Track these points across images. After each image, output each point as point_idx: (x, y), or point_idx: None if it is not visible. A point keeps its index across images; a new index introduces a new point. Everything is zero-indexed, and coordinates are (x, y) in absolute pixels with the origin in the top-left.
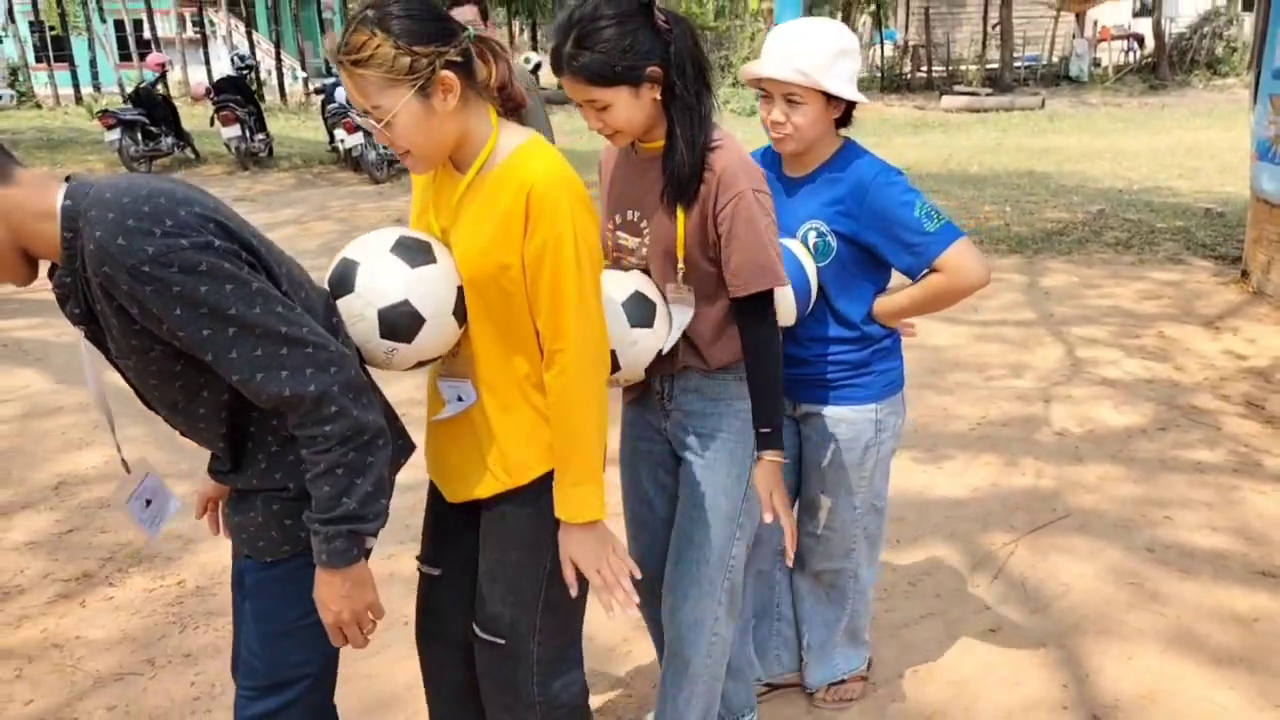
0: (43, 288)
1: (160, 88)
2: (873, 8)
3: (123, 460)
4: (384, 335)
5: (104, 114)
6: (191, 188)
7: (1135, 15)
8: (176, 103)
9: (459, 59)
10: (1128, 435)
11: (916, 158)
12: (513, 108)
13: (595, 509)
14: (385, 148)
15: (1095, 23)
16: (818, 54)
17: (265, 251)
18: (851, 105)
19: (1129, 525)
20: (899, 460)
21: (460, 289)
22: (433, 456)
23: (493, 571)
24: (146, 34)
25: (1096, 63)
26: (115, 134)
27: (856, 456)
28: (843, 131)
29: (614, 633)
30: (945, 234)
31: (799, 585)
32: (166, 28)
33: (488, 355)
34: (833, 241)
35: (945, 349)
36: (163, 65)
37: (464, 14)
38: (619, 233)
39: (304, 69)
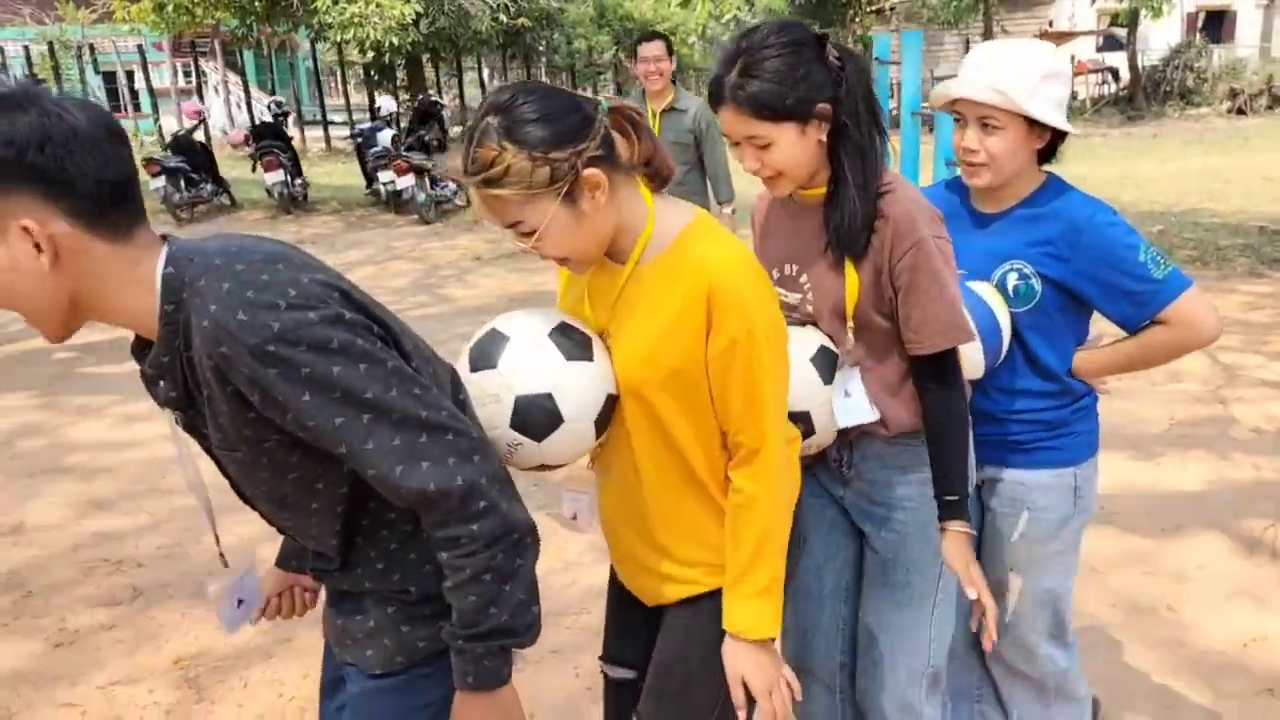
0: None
1: (199, 135)
2: (859, 48)
3: (221, 555)
4: (514, 426)
5: (149, 161)
6: (299, 250)
7: (1099, 50)
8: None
9: (600, 151)
10: None
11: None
12: (661, 181)
13: (774, 625)
14: (436, 187)
15: (1072, 57)
16: (1022, 74)
17: (391, 321)
18: (1058, 136)
19: None
20: (1117, 457)
21: (611, 398)
22: (614, 549)
23: (668, 666)
24: (139, 84)
25: (1074, 95)
26: (160, 181)
27: (1052, 528)
28: (1046, 167)
29: None
30: (1174, 282)
31: (995, 670)
32: (159, 79)
33: (661, 459)
34: (1037, 285)
35: None
36: (200, 113)
37: (648, 50)
38: (778, 289)
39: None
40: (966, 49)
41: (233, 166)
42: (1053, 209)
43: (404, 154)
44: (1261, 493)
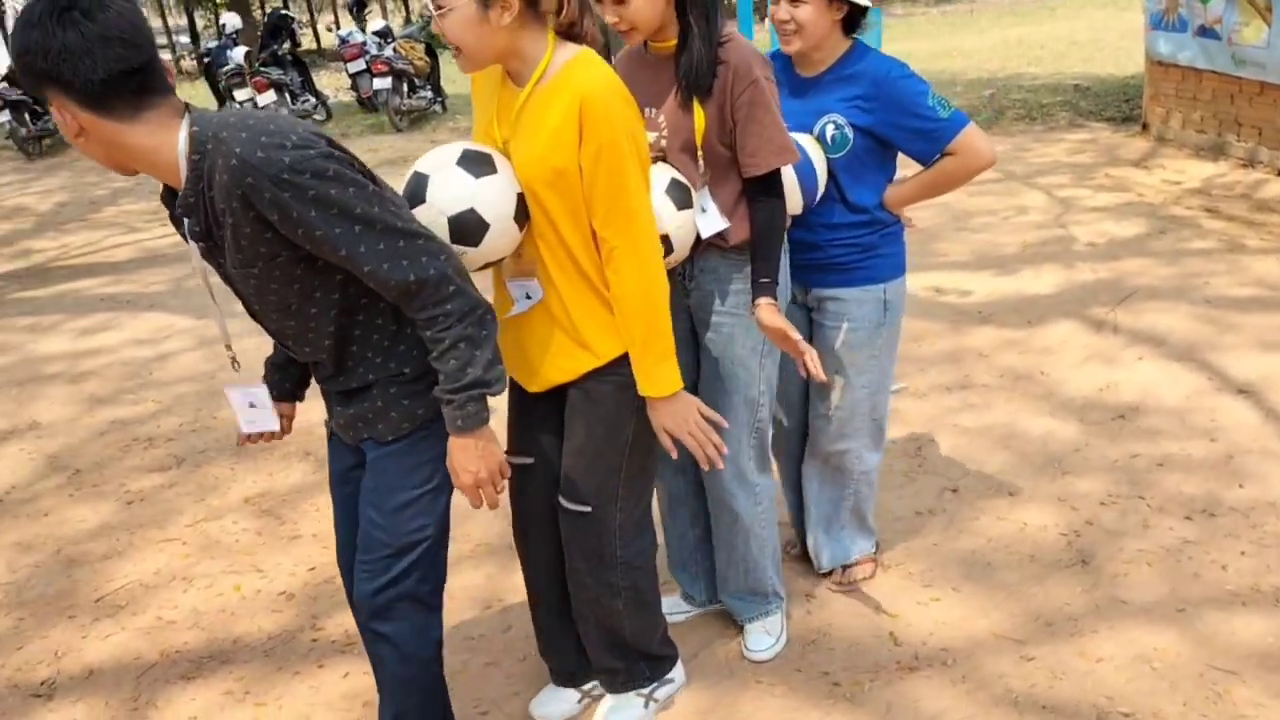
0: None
1: None
2: None
3: (233, 359)
4: (454, 240)
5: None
6: (291, 116)
7: None
8: None
9: None
10: (1139, 240)
11: None
12: (582, 42)
13: (675, 380)
14: (297, 105)
15: None
16: None
17: (362, 163)
18: (857, 9)
19: (1183, 291)
20: (986, 274)
21: (520, 195)
22: (508, 353)
23: (579, 447)
24: None
25: None
26: (4, 115)
27: (866, 336)
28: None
29: None
30: (957, 120)
31: (807, 470)
32: None
33: (552, 253)
34: (849, 133)
35: (951, 204)
36: None
37: None
38: None
39: None
40: None
41: None
42: (858, 70)
43: (261, 70)
44: (1101, 288)
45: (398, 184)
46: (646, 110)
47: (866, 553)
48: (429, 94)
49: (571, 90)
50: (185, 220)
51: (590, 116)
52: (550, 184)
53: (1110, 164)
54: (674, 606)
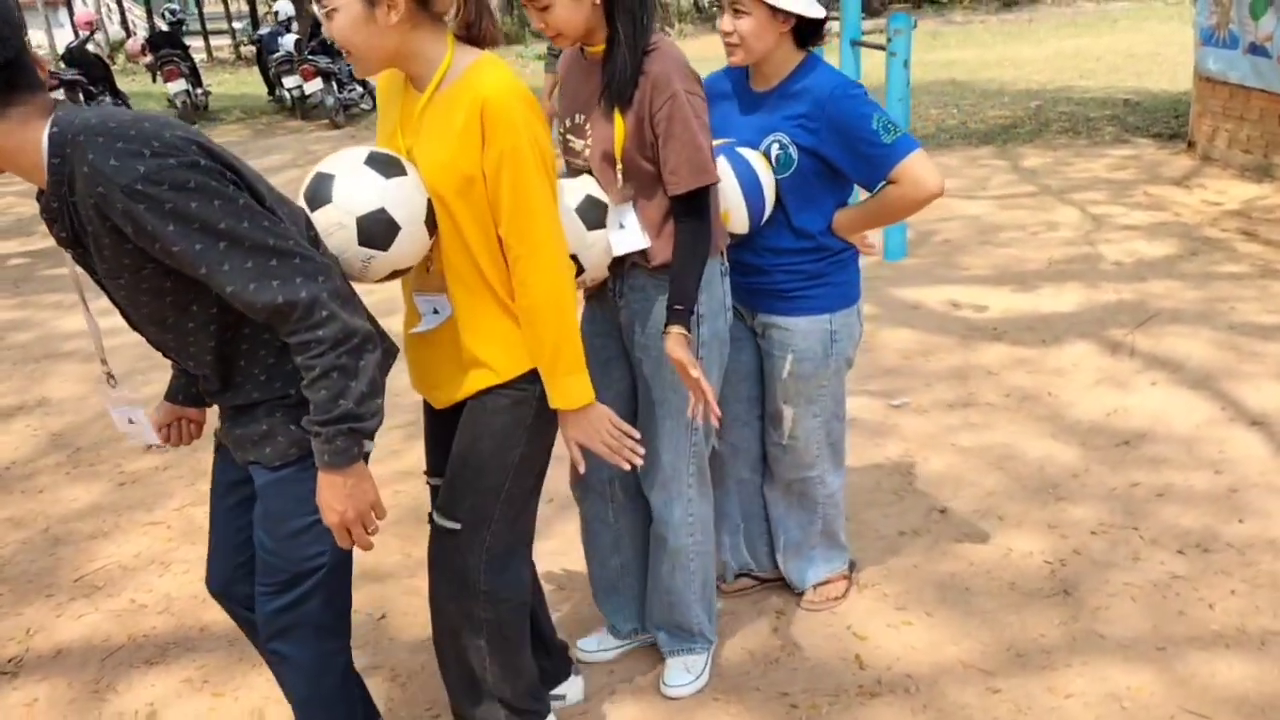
0: None
1: (91, 47)
2: None
3: (108, 374)
4: (362, 243)
5: (48, 75)
6: (172, 119)
7: None
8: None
9: None
10: (1169, 261)
11: None
12: (481, 44)
13: (587, 393)
14: (344, 94)
15: None
16: None
17: (245, 172)
18: (812, 22)
19: (1207, 316)
20: (1004, 290)
21: (430, 201)
22: (416, 369)
23: (463, 457)
24: None
25: None
26: (59, 95)
27: (814, 366)
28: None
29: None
30: (901, 146)
31: (770, 495)
32: None
33: (458, 265)
34: (794, 154)
35: (981, 217)
36: (91, 24)
37: None
38: (568, 136)
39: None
40: None
41: (126, 78)
42: (804, 86)
43: (309, 58)
44: (1122, 309)
45: None
46: (577, 116)
47: (839, 570)
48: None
49: (473, 94)
50: (54, 226)
51: (491, 121)
52: (457, 191)
53: (1150, 181)
54: (599, 644)
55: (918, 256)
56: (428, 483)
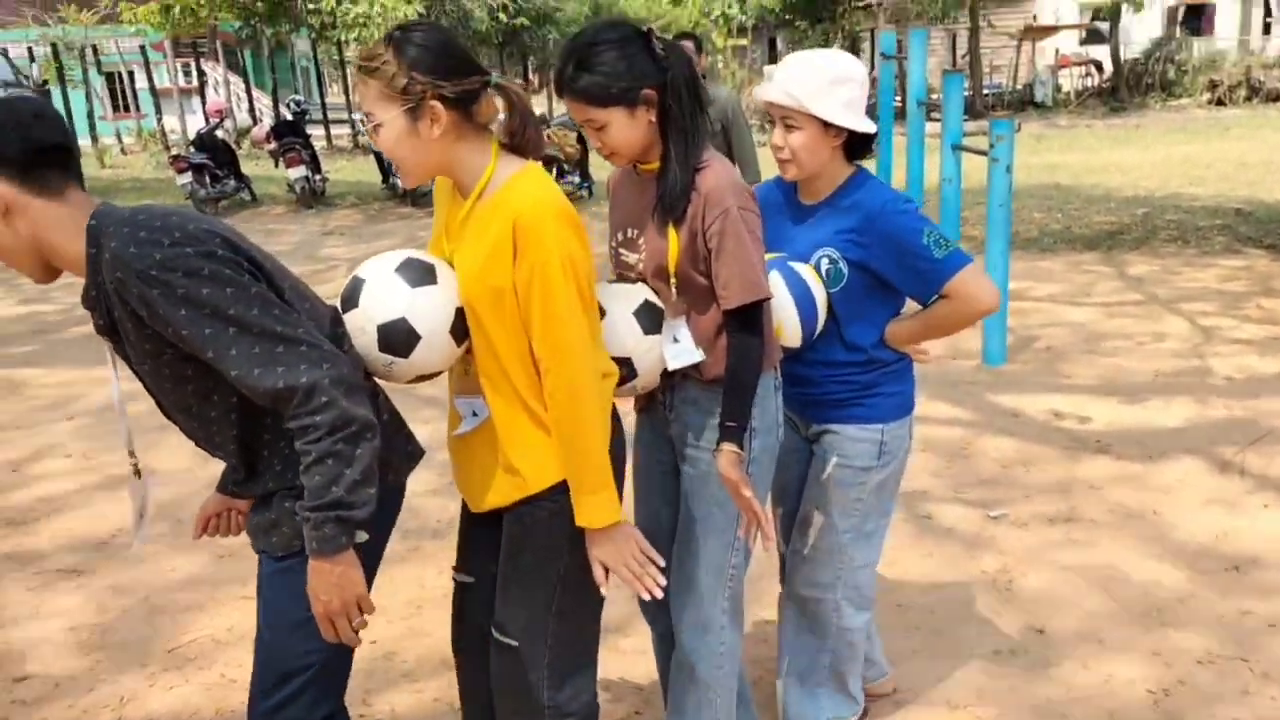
0: None
1: (220, 133)
2: (847, 43)
3: (135, 466)
4: (382, 349)
5: (176, 159)
6: (204, 216)
7: (1082, 43)
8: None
9: (453, 96)
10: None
11: (935, 181)
12: (525, 153)
13: (613, 512)
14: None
15: (1056, 50)
16: (810, 79)
17: (268, 265)
18: (862, 136)
19: None
20: (1110, 402)
21: (460, 310)
22: (457, 472)
23: (508, 575)
24: (140, 83)
25: (1058, 88)
26: (186, 177)
27: (853, 475)
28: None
29: (632, 660)
30: (953, 260)
31: (784, 609)
32: (160, 78)
33: (491, 373)
34: (844, 268)
35: (1087, 324)
36: (221, 112)
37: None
38: (621, 250)
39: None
40: (953, 45)
41: (251, 163)
42: (854, 200)
43: None
44: (1233, 427)
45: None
46: (630, 230)
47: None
48: (576, 179)
49: (509, 208)
50: (93, 314)
51: (523, 236)
52: (489, 303)
53: (1264, 294)
54: None
55: (1018, 362)
56: (454, 578)
